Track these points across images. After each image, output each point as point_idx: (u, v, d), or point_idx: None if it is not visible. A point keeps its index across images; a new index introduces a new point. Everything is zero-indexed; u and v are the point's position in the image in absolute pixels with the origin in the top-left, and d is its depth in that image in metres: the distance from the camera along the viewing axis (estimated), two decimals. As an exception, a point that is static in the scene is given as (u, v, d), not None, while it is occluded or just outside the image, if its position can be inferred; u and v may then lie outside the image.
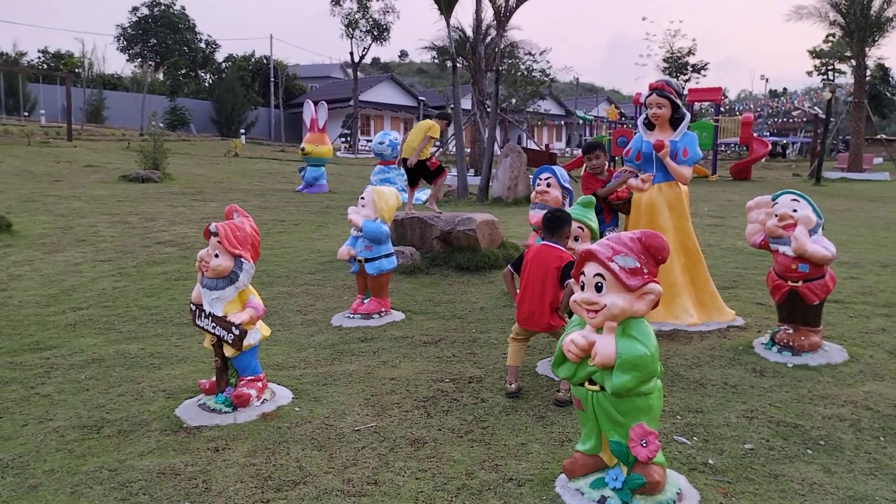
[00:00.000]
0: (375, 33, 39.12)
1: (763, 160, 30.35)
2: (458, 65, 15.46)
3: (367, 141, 48.25)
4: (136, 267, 8.06)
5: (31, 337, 5.61)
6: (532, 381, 4.52)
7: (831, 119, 26.26)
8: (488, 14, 21.25)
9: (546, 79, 40.12)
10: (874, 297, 6.29)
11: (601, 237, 4.28)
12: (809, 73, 48.15)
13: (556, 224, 4.36)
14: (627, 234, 3.04)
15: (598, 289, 2.94)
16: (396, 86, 55.29)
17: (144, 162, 18.62)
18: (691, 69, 40.76)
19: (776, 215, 4.72)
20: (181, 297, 6.77)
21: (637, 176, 5.74)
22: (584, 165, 6.27)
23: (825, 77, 46.59)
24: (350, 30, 38.71)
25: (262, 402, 4.17)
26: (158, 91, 47.56)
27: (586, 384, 3.05)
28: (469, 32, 22.68)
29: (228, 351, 4.10)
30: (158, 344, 5.46)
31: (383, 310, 6.01)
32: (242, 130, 43.22)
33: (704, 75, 40.71)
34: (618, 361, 2.87)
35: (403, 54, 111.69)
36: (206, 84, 53.11)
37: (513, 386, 4.30)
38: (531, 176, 6.74)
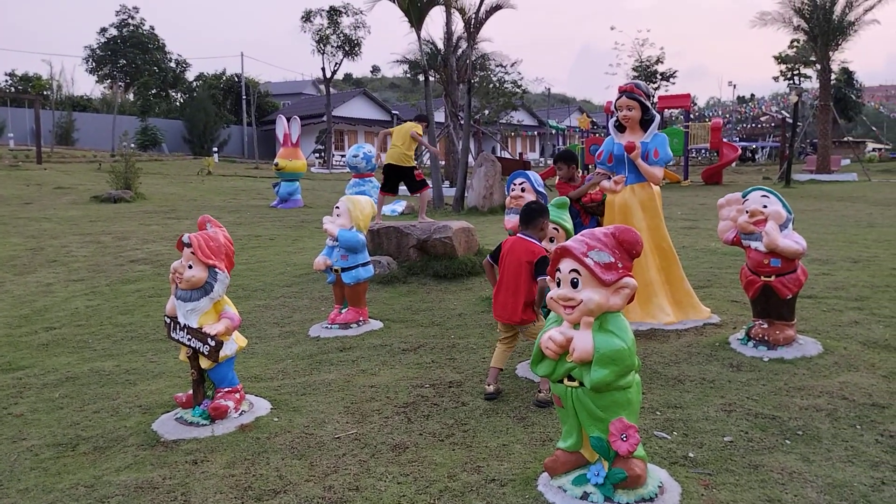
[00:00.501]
0: (347, 48, 39.17)
1: (733, 164, 30.74)
2: (430, 77, 15.52)
3: (341, 156, 48.21)
4: (109, 285, 7.96)
5: (2, 358, 5.51)
6: (512, 384, 4.52)
7: (798, 122, 26.68)
8: (458, 26, 21.43)
9: (518, 90, 40.43)
10: (846, 291, 6.38)
11: None
12: (776, 79, 48.99)
13: (532, 215, 4.39)
14: (601, 229, 3.06)
15: (574, 285, 2.95)
16: (369, 100, 55.38)
17: (116, 182, 18.42)
18: (660, 77, 41.28)
19: (747, 212, 4.78)
20: (156, 313, 6.69)
21: (610, 178, 5.78)
22: (556, 175, 6.34)
23: (791, 82, 47.38)
24: (321, 45, 38.72)
25: (240, 414, 4.12)
26: (129, 112, 47.17)
27: (565, 380, 3.05)
28: (440, 45, 22.85)
29: (204, 363, 4.05)
30: (133, 360, 5.39)
31: (361, 319, 5.98)
32: (215, 149, 42.96)
33: (673, 83, 41.32)
34: (596, 356, 2.88)
35: (375, 69, 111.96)
36: (178, 103, 52.77)
37: (491, 388, 4.29)
38: (506, 184, 6.81)
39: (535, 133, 57.73)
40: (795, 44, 41.65)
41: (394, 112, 52.63)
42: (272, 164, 17.09)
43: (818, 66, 26.78)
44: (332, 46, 39.07)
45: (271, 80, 64.99)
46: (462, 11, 16.82)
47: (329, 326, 5.93)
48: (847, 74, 44.78)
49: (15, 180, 21.43)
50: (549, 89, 50.92)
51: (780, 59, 46.05)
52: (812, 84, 44.13)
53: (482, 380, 4.56)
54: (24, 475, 3.55)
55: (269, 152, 50.77)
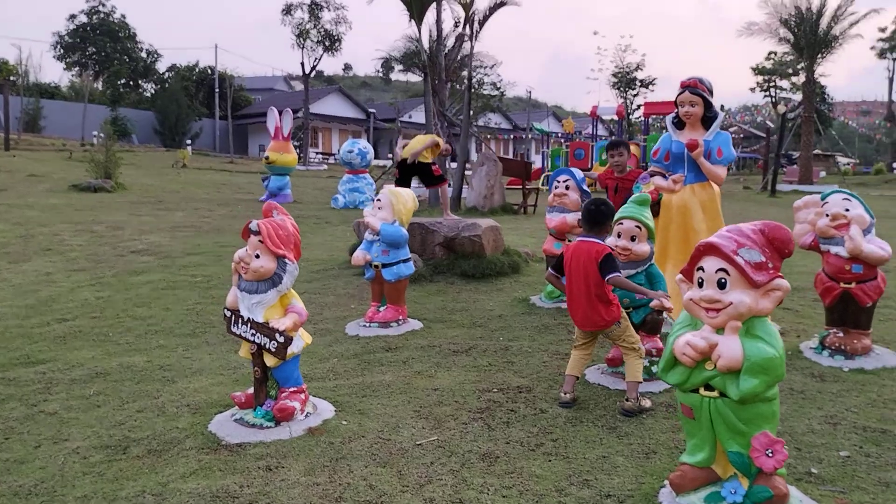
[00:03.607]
0: (327, 44, 38.60)
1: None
2: (427, 74, 15.21)
3: (317, 153, 47.61)
4: (115, 276, 7.53)
5: (18, 350, 5.11)
6: (585, 391, 4.26)
7: (776, 134, 26.92)
8: (448, 24, 21.13)
9: (497, 92, 40.28)
10: (892, 299, 6.25)
11: None
12: (752, 90, 49.44)
13: (598, 217, 4.05)
14: (747, 225, 2.81)
15: (720, 285, 2.70)
16: (345, 98, 54.68)
17: (96, 171, 17.79)
18: (639, 84, 41.46)
19: (827, 215, 4.59)
20: (175, 306, 6.32)
21: (665, 177, 5.57)
22: (608, 163, 6.12)
23: (767, 94, 47.95)
24: (301, 40, 38.10)
25: (306, 416, 3.81)
26: (98, 101, 45.94)
27: (701, 390, 2.80)
28: (426, 43, 22.52)
29: (270, 360, 3.73)
30: (165, 356, 5.02)
31: (401, 318, 5.68)
32: (188, 141, 42.05)
33: (652, 90, 41.45)
34: (745, 364, 2.63)
35: (348, 67, 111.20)
36: (148, 94, 51.61)
37: (567, 395, 4.03)
38: (549, 181, 6.51)
39: (510, 136, 57.59)
40: (773, 56, 42.16)
41: (370, 110, 52.12)
42: (262, 156, 16.60)
43: (802, 79, 27.09)
44: (312, 41, 38.48)
45: (242, 74, 63.81)
46: (466, 7, 16.45)
47: (368, 325, 5.62)
48: (820, 89, 45.48)
49: (-16, 166, 20.62)
50: (529, 92, 50.72)
51: (758, 70, 46.58)
52: (787, 95, 44.71)
53: (551, 385, 4.31)
54: (78, 481, 3.20)
55: (243, 147, 50.03)
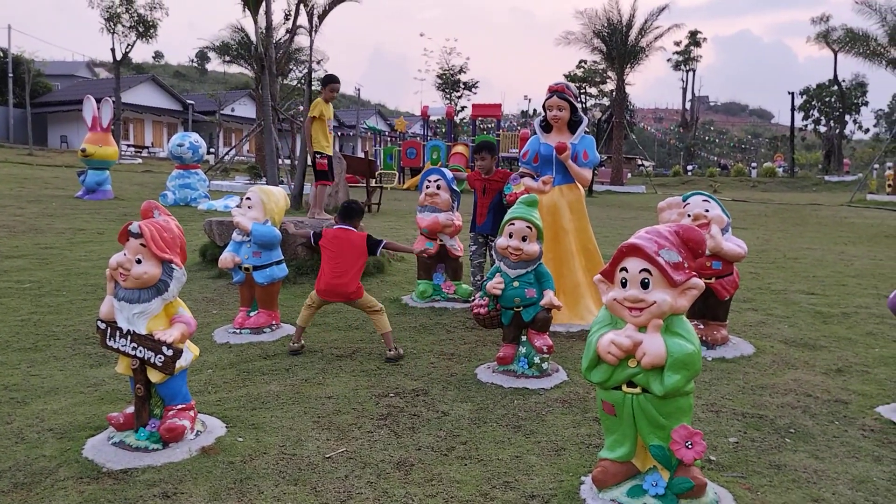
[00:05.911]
0: (140, 29, 36.12)
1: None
2: (264, 66, 14.66)
3: (128, 146, 44.55)
4: (-78, 284, 6.58)
5: None
6: (481, 391, 4.25)
7: (598, 138, 28.68)
8: (279, 16, 20.49)
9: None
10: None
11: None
12: (563, 96, 52.29)
13: (354, 213, 5.06)
14: (662, 227, 2.93)
15: (644, 285, 2.80)
16: (158, 88, 51.61)
17: None
18: (463, 86, 42.59)
19: (689, 215, 4.90)
20: (6, 317, 5.63)
21: (535, 178, 5.72)
22: (473, 165, 6.19)
23: (577, 99, 50.98)
24: (111, 24, 35.38)
25: (196, 435, 3.51)
26: None
27: (624, 387, 2.89)
28: (253, 35, 21.67)
29: (155, 376, 3.40)
30: (7, 374, 4.44)
31: (274, 323, 5.41)
32: (-22, 130, 37.81)
33: (475, 92, 42.72)
34: (669, 361, 2.74)
35: (159, 55, 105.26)
36: (-73, 76, 45.80)
37: (296, 344, 4.91)
38: (419, 181, 6.42)
39: (338, 134, 57.06)
40: (584, 64, 44.87)
41: (189, 102, 49.53)
42: (79, 149, 15.20)
43: (613, 87, 29.09)
44: (124, 26, 35.87)
45: (44, 59, 58.29)
46: (304, 2, 15.94)
47: (238, 331, 5.30)
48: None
49: None
50: (358, 90, 50.30)
51: (571, 78, 49.37)
52: (595, 101, 47.76)
53: (445, 387, 4.30)
54: (-66, 527, 2.75)
55: (42, 138, 45.78)
